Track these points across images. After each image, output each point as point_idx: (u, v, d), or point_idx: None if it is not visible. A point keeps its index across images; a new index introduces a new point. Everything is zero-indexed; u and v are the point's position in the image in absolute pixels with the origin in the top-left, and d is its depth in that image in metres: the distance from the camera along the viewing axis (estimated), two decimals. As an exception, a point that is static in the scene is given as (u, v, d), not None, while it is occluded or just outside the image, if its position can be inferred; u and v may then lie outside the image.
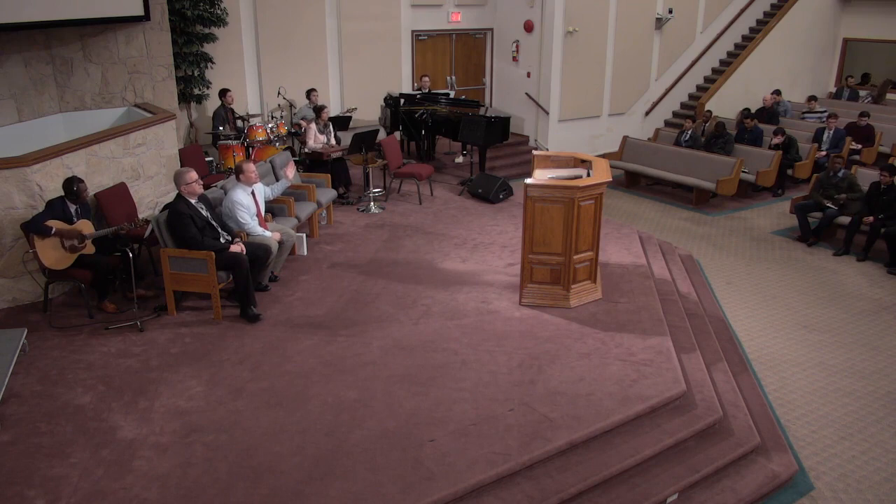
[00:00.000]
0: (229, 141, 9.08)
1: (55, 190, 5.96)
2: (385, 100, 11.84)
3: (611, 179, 6.22)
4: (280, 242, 6.34)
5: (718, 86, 13.78)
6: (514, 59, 12.89)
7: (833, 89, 15.74)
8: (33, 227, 5.48)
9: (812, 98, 13.47)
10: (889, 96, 14.56)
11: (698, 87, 14.44)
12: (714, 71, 14.53)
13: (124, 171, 7.04)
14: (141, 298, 6.03)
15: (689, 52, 14.07)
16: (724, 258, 8.59)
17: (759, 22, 14.75)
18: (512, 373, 5.00)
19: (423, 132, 10.99)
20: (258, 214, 6.35)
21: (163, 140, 7.70)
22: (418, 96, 11.13)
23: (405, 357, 5.21)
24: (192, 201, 5.80)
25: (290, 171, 7.01)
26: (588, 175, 6.22)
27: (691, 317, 6.35)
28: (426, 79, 11.61)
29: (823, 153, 11.31)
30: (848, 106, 13.74)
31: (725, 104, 13.79)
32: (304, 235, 7.31)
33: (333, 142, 9.35)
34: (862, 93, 14.58)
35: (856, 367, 6.10)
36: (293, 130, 10.00)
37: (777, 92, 13.43)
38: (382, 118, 11.93)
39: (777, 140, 10.94)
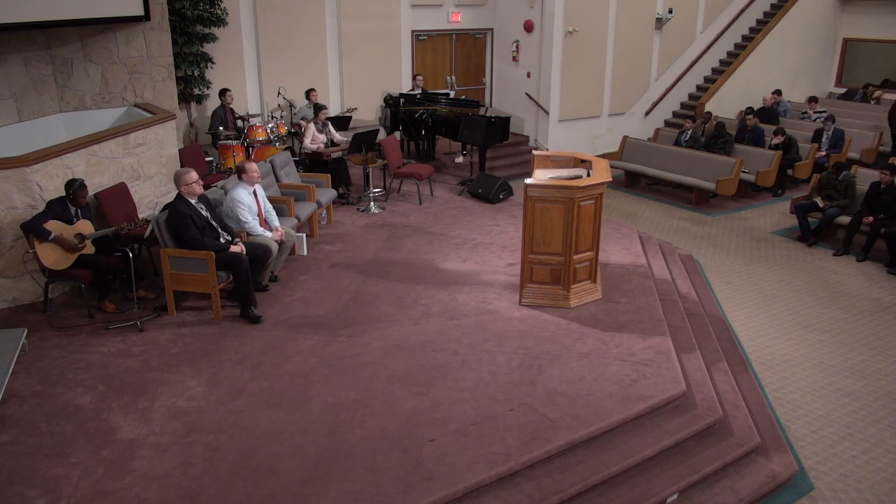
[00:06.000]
0: (229, 141, 9.08)
1: (55, 190, 5.96)
2: (385, 100, 11.85)
3: (611, 179, 6.21)
4: (280, 242, 6.34)
5: (718, 86, 13.78)
6: (514, 59, 12.89)
7: (833, 89, 15.75)
8: (32, 228, 5.48)
9: (812, 99, 13.47)
10: (886, 96, 14.55)
11: (698, 87, 14.44)
12: (714, 71, 14.52)
13: (124, 171, 7.04)
14: (141, 299, 6.03)
15: (689, 52, 14.06)
16: (724, 258, 8.59)
17: (759, 22, 14.74)
18: (512, 373, 5.00)
19: (423, 132, 10.99)
20: (259, 214, 6.35)
21: (163, 140, 7.70)
22: (418, 96, 11.13)
23: (405, 357, 5.21)
24: (192, 201, 5.81)
25: (277, 236, 6.35)
26: (588, 175, 6.22)
27: (691, 317, 6.35)
28: (420, 78, 11.61)
29: (823, 153, 11.32)
30: (859, 107, 13.75)
31: (725, 104, 13.79)
32: (304, 235, 7.31)
33: (339, 138, 9.35)
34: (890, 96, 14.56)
35: (856, 367, 6.10)
36: (293, 130, 10.01)
37: (777, 92, 13.44)
38: (382, 118, 11.93)
39: (777, 140, 10.94)
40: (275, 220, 6.52)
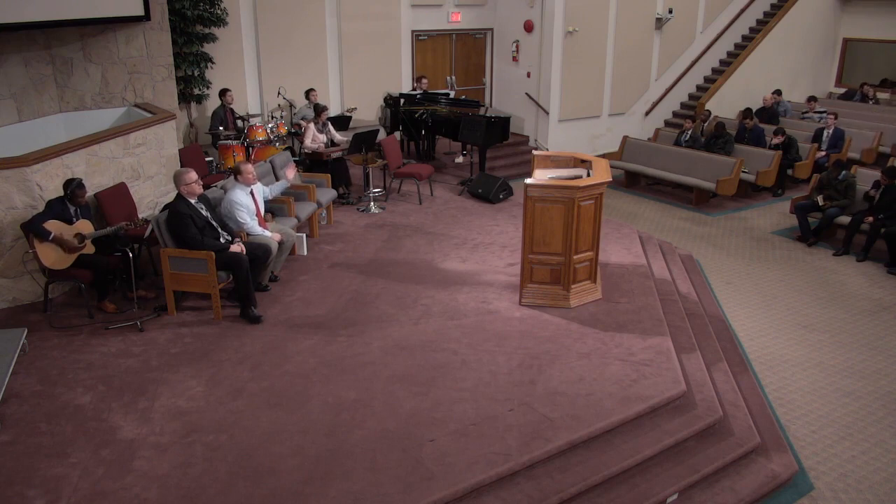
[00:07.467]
0: (229, 141, 9.09)
1: (55, 190, 5.96)
2: (385, 100, 11.85)
3: (611, 179, 6.21)
4: (280, 242, 6.34)
5: (718, 86, 13.79)
6: (514, 59, 12.89)
7: (833, 89, 15.75)
8: (32, 228, 5.48)
9: (812, 98, 13.48)
10: (883, 95, 14.57)
11: (698, 87, 14.44)
12: (714, 71, 14.53)
13: (124, 171, 7.04)
14: (141, 298, 6.03)
15: (689, 52, 14.06)
16: (724, 258, 8.59)
17: (759, 22, 14.75)
18: (512, 373, 5.00)
19: (423, 132, 10.99)
20: (258, 214, 6.35)
21: (163, 140, 7.70)
22: (418, 96, 11.13)
23: (405, 357, 5.21)
24: (192, 201, 5.81)
25: (291, 173, 7.01)
26: (588, 175, 6.22)
27: (691, 317, 6.35)
28: (425, 81, 11.62)
29: (823, 153, 11.32)
30: (859, 107, 13.77)
31: (725, 104, 13.79)
32: (304, 235, 7.31)
33: (340, 138, 9.35)
34: (882, 95, 14.57)
35: (856, 367, 6.10)
36: (293, 130, 10.01)
37: (777, 92, 13.44)
38: (382, 118, 11.93)
39: (777, 140, 10.94)
40: (288, 177, 6.95)
